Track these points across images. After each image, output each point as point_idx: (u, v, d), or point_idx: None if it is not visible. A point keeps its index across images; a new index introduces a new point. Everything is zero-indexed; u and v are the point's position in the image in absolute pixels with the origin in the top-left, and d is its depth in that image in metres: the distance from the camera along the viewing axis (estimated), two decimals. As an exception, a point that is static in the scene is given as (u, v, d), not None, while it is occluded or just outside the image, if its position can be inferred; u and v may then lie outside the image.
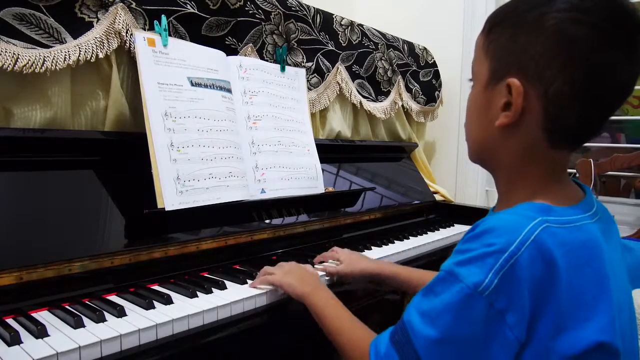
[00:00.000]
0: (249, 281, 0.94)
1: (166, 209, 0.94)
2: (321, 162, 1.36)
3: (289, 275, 0.89)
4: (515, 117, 0.59)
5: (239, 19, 1.23)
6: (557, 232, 0.55)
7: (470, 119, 0.68)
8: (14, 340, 0.65)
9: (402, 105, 1.88)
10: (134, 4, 1.01)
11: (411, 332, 0.58)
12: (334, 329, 0.74)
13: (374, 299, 1.12)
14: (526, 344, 0.54)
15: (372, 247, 1.27)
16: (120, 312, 0.76)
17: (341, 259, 1.05)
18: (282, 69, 1.34)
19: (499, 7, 0.64)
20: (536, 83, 0.57)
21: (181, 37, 1.10)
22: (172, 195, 0.95)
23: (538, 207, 0.58)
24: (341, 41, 1.57)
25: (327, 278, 1.03)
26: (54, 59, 0.90)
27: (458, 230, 1.59)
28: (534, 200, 0.60)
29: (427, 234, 1.50)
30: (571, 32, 0.55)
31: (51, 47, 0.91)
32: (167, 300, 0.81)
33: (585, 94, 0.56)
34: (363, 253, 1.21)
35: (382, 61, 1.76)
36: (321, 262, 1.10)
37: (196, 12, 1.12)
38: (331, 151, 1.52)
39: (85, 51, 0.94)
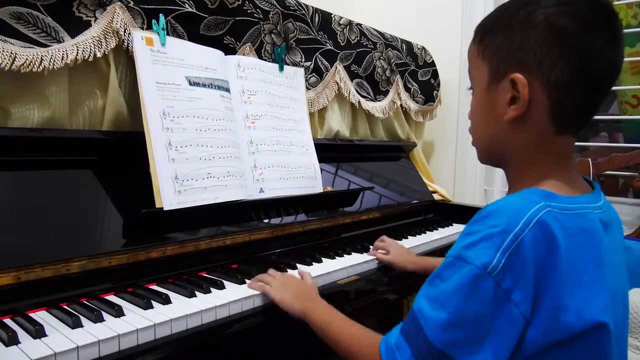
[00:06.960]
0: (248, 281, 0.94)
1: (164, 209, 0.94)
2: (320, 162, 1.36)
3: (284, 290, 0.87)
4: (524, 108, 0.63)
5: (237, 18, 1.23)
6: (559, 217, 0.58)
7: (477, 122, 0.71)
8: (11, 340, 0.65)
9: (401, 105, 1.88)
10: (132, 3, 1.01)
11: (421, 319, 0.59)
12: (342, 338, 0.74)
13: (373, 299, 1.12)
14: (530, 321, 0.56)
15: (371, 247, 1.27)
16: (118, 312, 0.76)
17: (390, 250, 1.18)
18: (281, 69, 1.34)
19: (487, 16, 0.68)
20: (537, 74, 0.61)
21: (179, 37, 1.10)
22: (170, 194, 0.95)
23: (541, 193, 0.61)
24: (340, 40, 1.57)
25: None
26: (51, 58, 0.90)
27: (456, 229, 1.59)
28: (539, 186, 0.63)
29: (425, 233, 1.50)
30: (560, 23, 0.60)
31: (49, 46, 0.90)
32: (166, 300, 0.81)
33: (582, 77, 0.60)
34: (362, 253, 1.21)
35: (381, 61, 1.76)
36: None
37: (194, 11, 1.12)
38: (330, 151, 1.52)
39: (83, 50, 0.94)
